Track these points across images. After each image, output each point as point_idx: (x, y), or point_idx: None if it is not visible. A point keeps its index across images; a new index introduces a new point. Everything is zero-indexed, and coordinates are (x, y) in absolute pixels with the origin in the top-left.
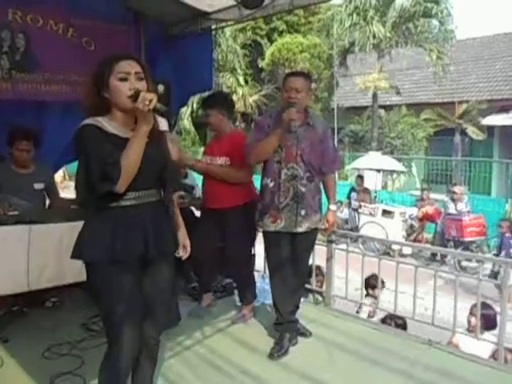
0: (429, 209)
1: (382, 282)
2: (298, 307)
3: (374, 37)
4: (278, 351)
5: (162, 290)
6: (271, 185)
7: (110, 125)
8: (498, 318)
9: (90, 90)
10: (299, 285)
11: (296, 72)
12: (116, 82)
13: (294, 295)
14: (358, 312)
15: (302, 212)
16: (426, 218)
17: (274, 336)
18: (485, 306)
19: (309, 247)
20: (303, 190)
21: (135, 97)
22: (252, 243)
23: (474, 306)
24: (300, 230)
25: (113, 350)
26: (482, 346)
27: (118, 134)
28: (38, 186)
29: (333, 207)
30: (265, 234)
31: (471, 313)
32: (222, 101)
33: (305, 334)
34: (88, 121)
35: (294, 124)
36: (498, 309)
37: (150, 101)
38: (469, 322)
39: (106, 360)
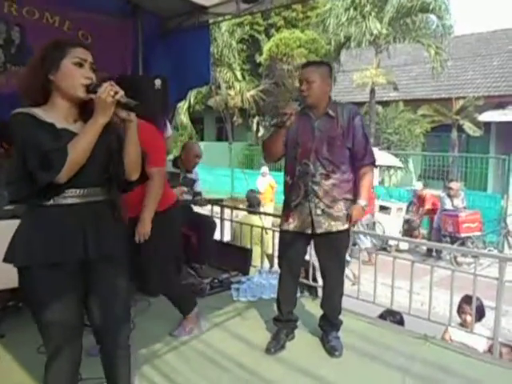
0: (427, 193)
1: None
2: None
3: (371, 33)
4: (274, 346)
5: (113, 299)
6: (290, 182)
7: (46, 115)
8: (487, 310)
9: (35, 68)
10: (330, 294)
11: (308, 62)
12: (70, 66)
13: (326, 305)
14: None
15: (319, 211)
16: (423, 203)
17: (270, 330)
18: (471, 297)
19: (336, 251)
20: (315, 187)
21: (93, 87)
22: (169, 255)
23: (463, 300)
24: (320, 230)
25: (51, 362)
26: (475, 339)
27: (55, 123)
28: None
29: (361, 202)
30: (281, 232)
31: (461, 309)
32: None
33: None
34: (19, 109)
35: (291, 119)
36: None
37: (116, 93)
38: (461, 318)
39: (45, 372)
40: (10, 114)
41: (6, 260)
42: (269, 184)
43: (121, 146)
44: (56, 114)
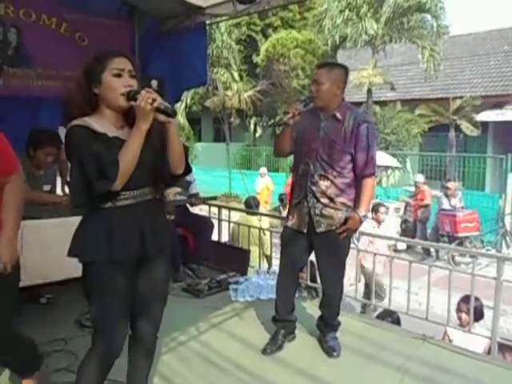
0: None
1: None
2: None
3: (368, 33)
4: (271, 346)
5: (159, 287)
6: (294, 180)
7: (97, 124)
8: (485, 310)
9: (80, 85)
10: (329, 297)
11: (322, 63)
12: (110, 78)
13: (325, 307)
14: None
15: (317, 211)
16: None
17: (268, 331)
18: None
19: (335, 253)
20: (313, 188)
21: (133, 94)
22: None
23: (462, 300)
24: (320, 229)
25: (100, 350)
26: (475, 340)
27: (107, 132)
28: (47, 187)
29: (360, 212)
30: (284, 228)
31: (459, 308)
32: None
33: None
34: (76, 121)
35: (294, 119)
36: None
37: (153, 100)
38: (459, 318)
39: (89, 359)
40: (68, 126)
41: (71, 255)
42: (265, 185)
43: (164, 147)
44: (105, 122)
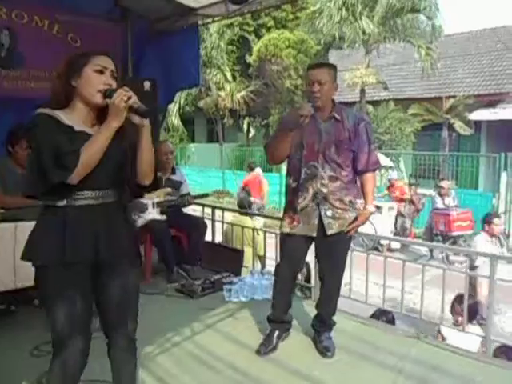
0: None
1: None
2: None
3: (364, 32)
4: (265, 347)
5: (125, 291)
6: (293, 185)
7: (66, 117)
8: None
9: (60, 75)
10: (329, 297)
11: (319, 63)
12: (90, 73)
13: (324, 306)
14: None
15: (329, 213)
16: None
17: (263, 331)
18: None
19: (341, 252)
20: (324, 190)
21: (109, 93)
22: None
23: (455, 300)
24: (331, 232)
25: (57, 361)
26: (468, 340)
27: (74, 126)
28: None
29: (370, 208)
30: (281, 235)
31: (453, 307)
32: None
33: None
34: (43, 110)
35: (305, 121)
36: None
37: (129, 98)
38: (456, 320)
39: (50, 371)
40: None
41: (23, 258)
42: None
43: (134, 152)
44: (76, 117)
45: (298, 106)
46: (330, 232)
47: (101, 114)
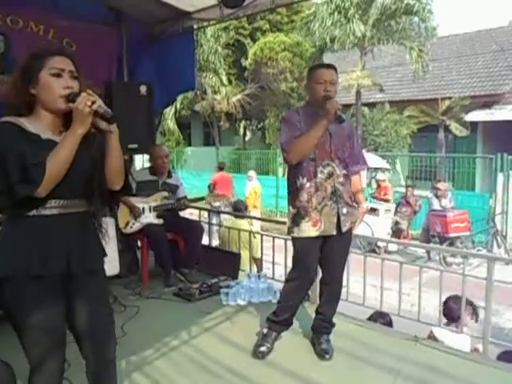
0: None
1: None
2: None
3: (355, 35)
4: (261, 350)
5: (97, 308)
6: (307, 185)
7: (31, 124)
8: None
9: (15, 84)
10: (333, 297)
11: (326, 64)
12: (48, 77)
13: (326, 308)
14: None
15: (344, 210)
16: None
17: (260, 335)
18: (455, 298)
19: (346, 249)
20: (340, 188)
21: (73, 97)
22: None
23: (448, 299)
24: (344, 229)
25: (34, 374)
26: (459, 340)
27: (40, 134)
28: None
29: (365, 205)
30: (300, 240)
31: (446, 309)
32: None
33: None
34: (6, 118)
35: (340, 114)
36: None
37: (93, 102)
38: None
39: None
40: None
41: None
42: (253, 189)
43: (102, 157)
44: (41, 124)
45: (328, 103)
46: (344, 229)
47: (67, 120)
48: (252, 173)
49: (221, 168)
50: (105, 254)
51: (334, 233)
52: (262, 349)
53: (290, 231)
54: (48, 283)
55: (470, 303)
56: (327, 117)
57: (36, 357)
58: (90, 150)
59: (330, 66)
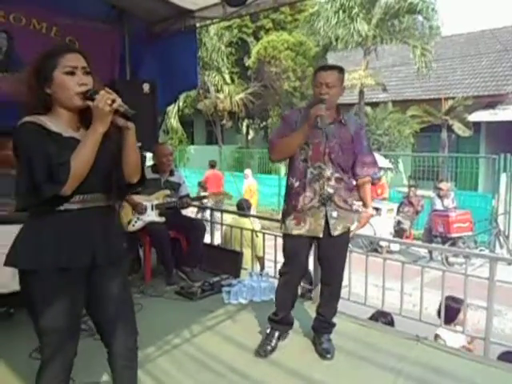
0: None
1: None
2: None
3: (359, 34)
4: (265, 348)
5: (119, 298)
6: (296, 185)
7: (52, 123)
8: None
9: (30, 84)
10: (332, 297)
11: (328, 66)
12: (62, 76)
13: (327, 308)
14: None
15: (334, 214)
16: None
17: (262, 333)
18: (453, 299)
19: (343, 252)
20: (331, 191)
21: (90, 94)
22: None
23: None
24: (336, 233)
25: (46, 366)
26: (456, 338)
27: (61, 132)
28: None
29: (370, 211)
30: (286, 237)
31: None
32: None
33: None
34: (29, 118)
35: (322, 121)
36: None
37: (113, 101)
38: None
39: (38, 375)
40: (19, 122)
41: (8, 263)
42: (248, 187)
43: (119, 152)
44: (61, 122)
45: (313, 108)
46: (335, 233)
47: (84, 116)
48: (248, 171)
49: (212, 166)
50: (126, 245)
51: (321, 235)
52: (266, 348)
53: (280, 227)
54: (73, 275)
55: (456, 301)
56: (308, 122)
57: (50, 349)
58: (110, 146)
59: (333, 68)
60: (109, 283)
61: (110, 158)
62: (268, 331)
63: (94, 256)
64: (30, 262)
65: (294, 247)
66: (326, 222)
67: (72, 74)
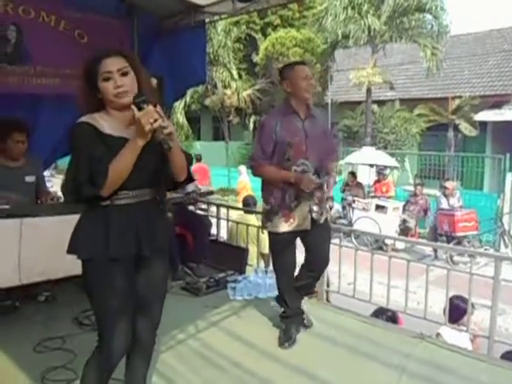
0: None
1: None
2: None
3: (369, 30)
4: (287, 341)
5: (157, 287)
6: (281, 184)
7: (106, 121)
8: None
9: (83, 91)
10: (315, 280)
11: (302, 61)
12: (102, 84)
13: (305, 288)
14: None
15: (315, 208)
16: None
17: (267, 329)
18: (462, 299)
19: (328, 235)
20: (313, 185)
21: (139, 102)
22: None
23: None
24: (321, 221)
25: (103, 348)
26: (462, 337)
27: (113, 133)
28: (29, 178)
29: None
30: (274, 234)
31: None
32: None
33: (307, 325)
34: (84, 118)
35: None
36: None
37: (155, 120)
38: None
39: (94, 356)
40: (76, 121)
41: (70, 252)
42: (241, 183)
43: (165, 155)
44: (113, 120)
45: (304, 182)
46: (320, 222)
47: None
48: (242, 167)
49: (198, 159)
50: (169, 235)
51: (309, 228)
52: (284, 341)
53: (264, 226)
54: (122, 263)
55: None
56: (295, 184)
57: (114, 322)
58: (157, 147)
59: (304, 63)
60: (152, 270)
61: (156, 158)
62: (284, 327)
63: (139, 247)
64: (85, 252)
65: (285, 243)
66: (311, 215)
67: (108, 79)
